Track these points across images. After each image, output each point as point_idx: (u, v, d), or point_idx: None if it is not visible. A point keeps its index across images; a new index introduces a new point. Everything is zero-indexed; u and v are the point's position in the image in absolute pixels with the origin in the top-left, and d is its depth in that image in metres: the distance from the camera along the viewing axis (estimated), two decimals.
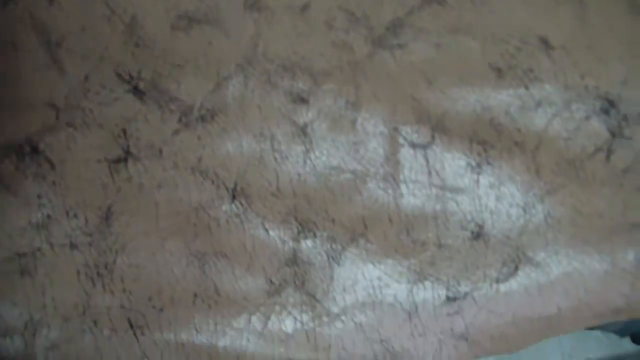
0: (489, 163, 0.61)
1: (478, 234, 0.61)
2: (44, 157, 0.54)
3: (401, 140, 0.60)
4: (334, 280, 0.58)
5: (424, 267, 0.60)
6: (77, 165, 0.54)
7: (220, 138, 0.57)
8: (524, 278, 0.61)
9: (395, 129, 0.60)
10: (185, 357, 0.55)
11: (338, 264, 0.58)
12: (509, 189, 0.61)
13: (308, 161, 0.59)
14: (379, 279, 0.59)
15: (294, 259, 0.58)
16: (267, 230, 0.57)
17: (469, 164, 0.61)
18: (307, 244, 0.58)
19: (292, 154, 0.58)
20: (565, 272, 0.61)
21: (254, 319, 0.56)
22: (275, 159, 0.58)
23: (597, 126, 0.63)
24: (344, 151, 0.59)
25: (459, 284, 0.60)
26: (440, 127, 0.60)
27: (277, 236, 0.57)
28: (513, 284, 0.61)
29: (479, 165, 0.61)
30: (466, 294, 0.61)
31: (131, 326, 0.54)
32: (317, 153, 0.59)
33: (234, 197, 0.57)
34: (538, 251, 0.61)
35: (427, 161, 0.60)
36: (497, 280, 0.61)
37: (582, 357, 0.90)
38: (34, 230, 0.54)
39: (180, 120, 0.56)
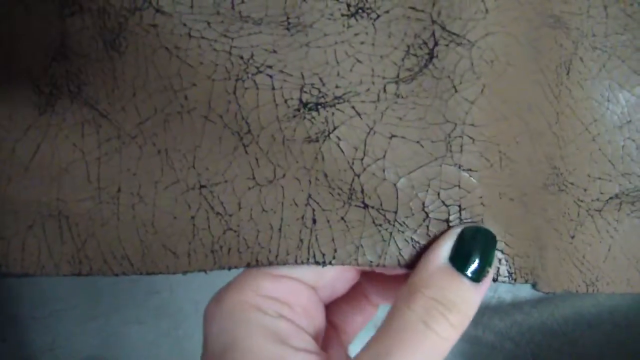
0: None
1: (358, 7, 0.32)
2: None
3: None
4: (117, 80, 0.36)
5: (259, 51, 0.33)
6: None
7: None
8: (447, 64, 0.31)
9: None
10: None
11: (119, 53, 0.36)
12: None
13: None
14: (179, 74, 0.35)
15: (62, 48, 0.37)
16: (26, 7, 0.38)
17: None
18: (74, 22, 0.36)
19: None
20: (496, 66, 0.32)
21: (18, 147, 0.41)
22: None
23: None
24: None
25: (321, 81, 0.32)
26: None
27: (39, 14, 0.38)
28: (425, 85, 0.31)
29: None
30: (338, 99, 0.32)
31: None
32: None
33: None
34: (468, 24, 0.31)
35: None
36: (397, 80, 0.31)
37: None
38: None
39: None
